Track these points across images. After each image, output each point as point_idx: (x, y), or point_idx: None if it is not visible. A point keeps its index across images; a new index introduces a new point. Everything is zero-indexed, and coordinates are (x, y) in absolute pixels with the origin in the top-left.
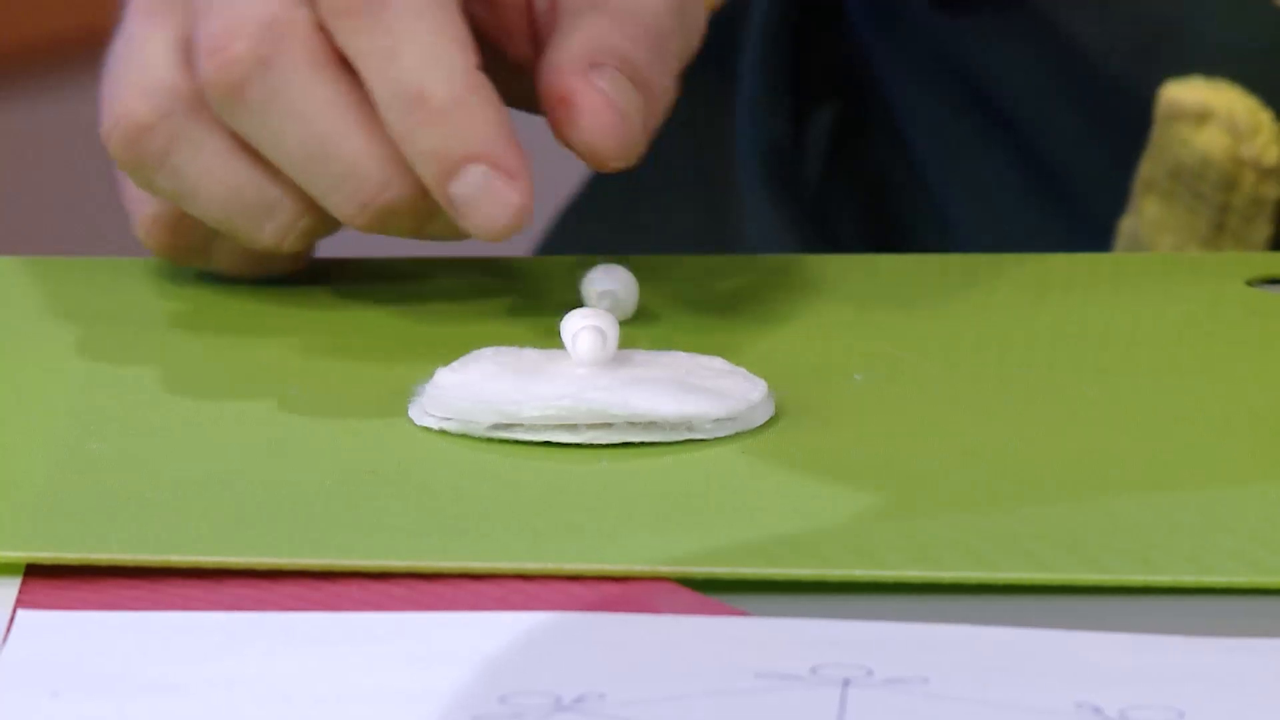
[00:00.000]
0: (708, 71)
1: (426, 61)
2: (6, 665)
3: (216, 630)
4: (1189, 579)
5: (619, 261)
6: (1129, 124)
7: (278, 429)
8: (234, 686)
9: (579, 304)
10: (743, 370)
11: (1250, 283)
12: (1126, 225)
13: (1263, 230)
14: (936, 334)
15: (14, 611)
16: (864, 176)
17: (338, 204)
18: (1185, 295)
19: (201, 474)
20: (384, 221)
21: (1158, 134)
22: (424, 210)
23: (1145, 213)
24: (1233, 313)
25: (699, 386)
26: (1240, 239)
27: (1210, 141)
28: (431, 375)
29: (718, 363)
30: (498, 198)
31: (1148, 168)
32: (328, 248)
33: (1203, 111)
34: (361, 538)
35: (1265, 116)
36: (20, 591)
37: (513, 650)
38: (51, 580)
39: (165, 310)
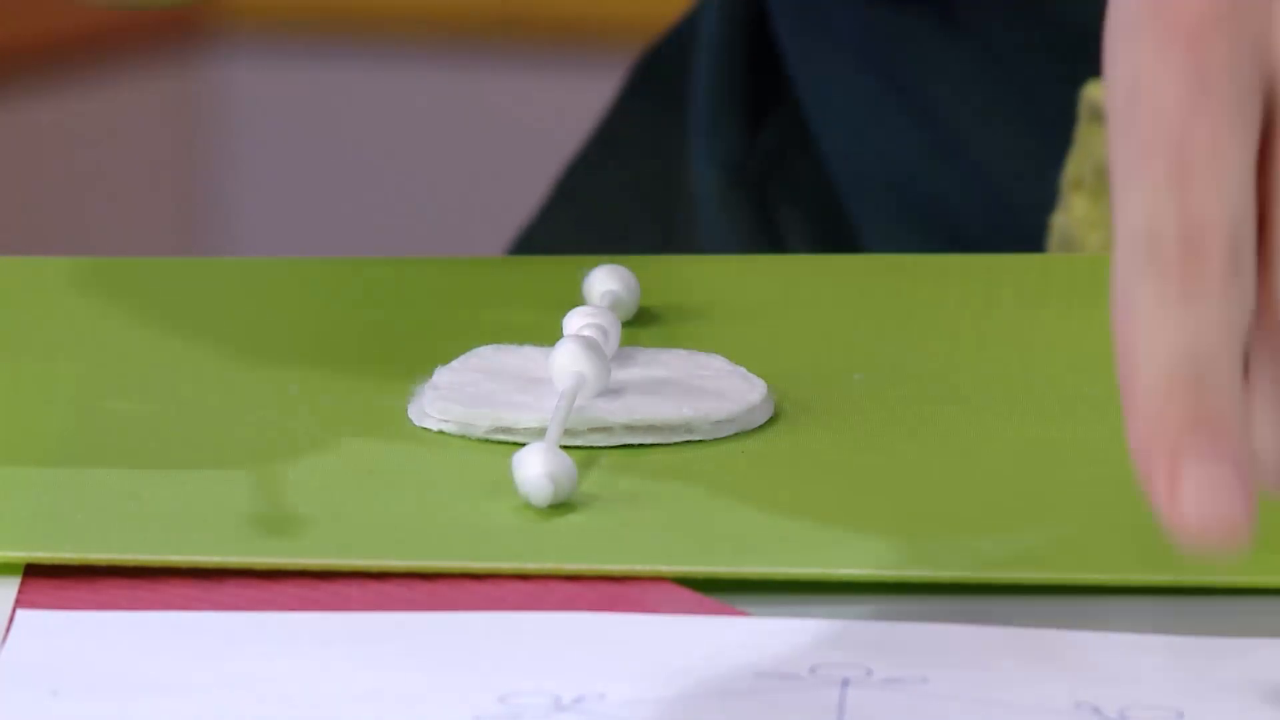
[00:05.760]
0: (664, 86)
1: None
2: (6, 665)
3: (216, 630)
4: (1189, 579)
5: (620, 262)
6: (1057, 121)
7: (278, 429)
8: (234, 686)
9: (580, 303)
10: (742, 370)
11: None
12: (1058, 222)
13: None
14: (936, 334)
15: (14, 611)
16: (812, 184)
17: None
18: None
19: (201, 474)
20: None
21: (1081, 133)
22: None
23: (1074, 211)
24: None
25: (698, 388)
26: None
27: None
28: (431, 375)
29: (717, 362)
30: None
31: (1073, 167)
32: (327, 248)
33: None
34: (361, 538)
35: None
36: (20, 591)
37: (513, 650)
38: (51, 580)
39: (165, 310)
